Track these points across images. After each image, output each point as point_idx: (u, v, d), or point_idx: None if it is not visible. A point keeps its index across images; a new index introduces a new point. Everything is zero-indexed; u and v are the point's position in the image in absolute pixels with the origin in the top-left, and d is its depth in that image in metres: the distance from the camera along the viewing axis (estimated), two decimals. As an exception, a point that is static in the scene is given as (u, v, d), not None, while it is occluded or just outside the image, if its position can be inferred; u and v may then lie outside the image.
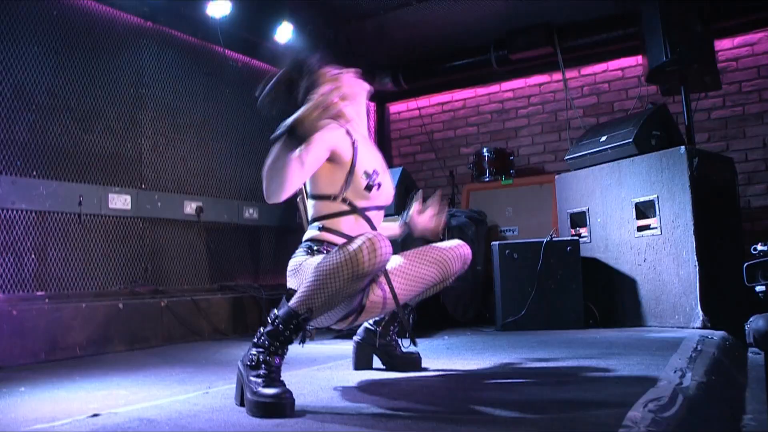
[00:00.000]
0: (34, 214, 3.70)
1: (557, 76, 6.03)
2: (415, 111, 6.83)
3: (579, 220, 4.48)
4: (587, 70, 5.98)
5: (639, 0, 4.53)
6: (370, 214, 2.34)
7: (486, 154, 5.66)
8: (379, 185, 2.31)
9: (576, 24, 5.60)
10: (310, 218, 2.37)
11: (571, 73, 5.98)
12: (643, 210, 4.03)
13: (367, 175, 2.28)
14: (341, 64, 2.48)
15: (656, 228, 3.92)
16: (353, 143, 2.30)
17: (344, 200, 2.28)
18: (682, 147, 3.82)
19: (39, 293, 3.67)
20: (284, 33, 5.08)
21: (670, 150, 3.90)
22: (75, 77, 4.02)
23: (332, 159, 2.25)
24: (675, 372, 2.06)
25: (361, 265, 1.91)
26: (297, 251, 2.30)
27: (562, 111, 6.06)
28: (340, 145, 2.25)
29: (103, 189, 4.07)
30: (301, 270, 2.19)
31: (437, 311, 4.45)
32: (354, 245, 1.93)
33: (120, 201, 4.16)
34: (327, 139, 2.18)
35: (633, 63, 5.76)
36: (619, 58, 5.81)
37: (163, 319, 3.98)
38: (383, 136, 6.87)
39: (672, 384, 1.85)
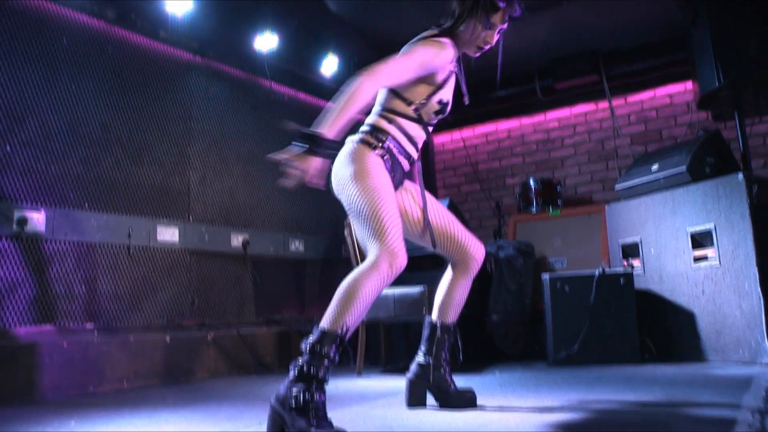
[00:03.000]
0: (85, 246, 3.73)
1: (603, 104, 5.94)
2: (459, 142, 6.79)
3: (631, 250, 4.35)
4: (634, 97, 5.88)
5: (688, 23, 4.43)
6: (430, 128, 2.49)
7: (533, 184, 5.58)
8: (445, 116, 2.47)
9: (622, 51, 5.53)
10: (376, 103, 2.42)
11: (617, 101, 5.89)
12: (700, 240, 3.90)
13: (441, 104, 2.40)
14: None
15: (714, 258, 3.78)
16: (452, 71, 2.43)
17: (416, 110, 2.38)
18: (740, 174, 3.69)
19: (88, 325, 3.68)
20: (330, 65, 5.12)
21: (727, 177, 3.77)
22: (127, 112, 4.08)
23: (425, 74, 2.32)
24: (753, 414, 1.94)
25: (386, 279, 2.08)
26: (354, 137, 2.34)
27: (609, 139, 5.96)
28: (439, 66, 2.32)
29: (152, 221, 4.10)
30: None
31: (484, 343, 4.36)
32: (375, 261, 2.08)
33: (168, 233, 4.18)
34: (429, 59, 2.28)
35: (681, 89, 5.65)
36: (666, 85, 5.70)
37: (209, 352, 3.96)
38: (427, 168, 6.82)
39: (753, 428, 1.74)
